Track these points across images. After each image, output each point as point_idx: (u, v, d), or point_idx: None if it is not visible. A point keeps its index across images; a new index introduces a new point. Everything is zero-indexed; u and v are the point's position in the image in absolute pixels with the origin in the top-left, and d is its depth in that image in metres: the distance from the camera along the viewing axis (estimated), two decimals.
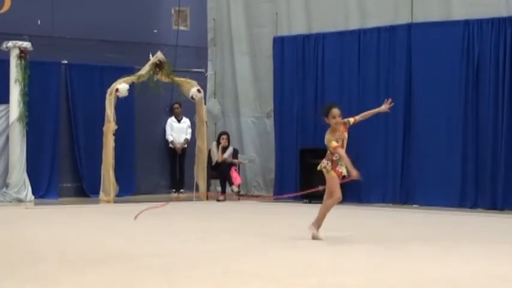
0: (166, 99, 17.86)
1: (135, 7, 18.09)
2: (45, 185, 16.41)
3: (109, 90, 15.76)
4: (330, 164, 9.23)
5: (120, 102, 15.91)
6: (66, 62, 16.91)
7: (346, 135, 9.31)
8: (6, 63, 15.60)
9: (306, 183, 15.64)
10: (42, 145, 16.41)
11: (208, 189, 16.76)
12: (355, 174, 9.12)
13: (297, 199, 15.97)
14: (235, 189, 16.43)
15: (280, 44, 16.95)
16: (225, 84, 18.02)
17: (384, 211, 14.22)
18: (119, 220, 12.31)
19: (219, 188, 16.76)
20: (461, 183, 14.48)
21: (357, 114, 9.61)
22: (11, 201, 15.36)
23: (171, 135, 18.05)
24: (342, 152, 9.16)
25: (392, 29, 15.48)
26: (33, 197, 15.64)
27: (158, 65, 16.11)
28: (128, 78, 15.87)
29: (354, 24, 16.04)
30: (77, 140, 17.02)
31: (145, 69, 16.05)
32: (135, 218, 11.28)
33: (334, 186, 9.23)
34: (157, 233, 10.33)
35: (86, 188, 16.89)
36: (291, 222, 11.86)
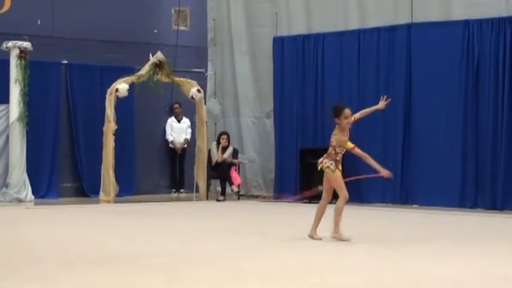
0: (166, 99, 17.86)
1: (135, 7, 18.09)
2: (45, 185, 16.41)
3: (109, 90, 15.76)
4: (333, 164, 9.24)
5: (120, 102, 15.91)
6: (66, 62, 16.92)
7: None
8: (6, 63, 15.60)
9: (306, 183, 15.64)
10: (42, 145, 16.41)
11: (208, 189, 16.76)
12: (386, 173, 9.26)
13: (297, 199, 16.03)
14: (235, 189, 16.43)
15: (280, 44, 16.96)
16: (225, 84, 18.03)
17: (384, 211, 14.22)
18: (118, 220, 12.31)
19: (219, 188, 16.76)
20: (461, 183, 14.49)
21: (356, 113, 9.63)
22: (11, 201, 15.35)
23: (171, 135, 18.05)
24: (362, 152, 9.20)
25: (392, 29, 15.48)
26: (33, 197, 15.64)
27: (158, 65, 16.12)
28: (127, 78, 15.87)
29: (353, 24, 16.05)
30: (77, 140, 17.03)
31: (145, 69, 16.05)
32: (300, 195, 10.38)
33: (340, 185, 9.24)
34: (157, 233, 10.33)
35: (86, 188, 16.90)
36: (291, 222, 11.86)
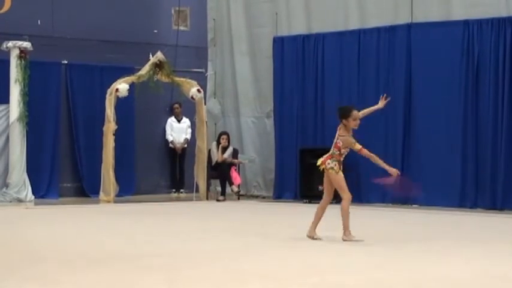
0: (166, 99, 17.87)
1: (135, 7, 18.09)
2: (45, 185, 16.41)
3: (109, 90, 15.76)
4: (337, 164, 9.24)
5: (120, 102, 15.91)
6: (66, 62, 16.92)
7: None
8: (6, 63, 15.60)
9: (305, 183, 15.67)
10: (42, 145, 16.41)
11: (208, 189, 16.77)
12: (394, 171, 9.25)
13: (297, 199, 16.01)
14: (235, 189, 16.43)
15: (280, 44, 16.95)
16: (225, 84, 18.03)
17: (383, 211, 14.23)
18: (119, 220, 12.31)
19: (219, 188, 16.77)
20: (461, 183, 14.49)
21: None
22: (11, 201, 15.35)
23: (171, 135, 18.06)
24: (370, 153, 9.22)
25: (392, 29, 15.48)
26: (33, 197, 15.64)
27: (158, 65, 16.12)
28: (128, 78, 15.87)
29: (353, 24, 16.05)
30: (77, 140, 17.03)
31: (145, 69, 16.06)
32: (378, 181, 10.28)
33: (344, 187, 9.23)
34: (157, 233, 10.34)
35: (86, 188, 16.90)
36: (291, 222, 11.86)
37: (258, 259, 8.00)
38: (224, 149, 16.63)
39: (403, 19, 15.36)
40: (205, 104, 16.84)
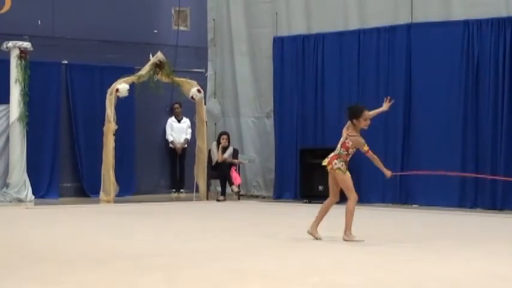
0: (167, 99, 17.87)
1: (135, 7, 18.10)
2: (45, 185, 16.42)
3: (109, 90, 15.77)
4: (344, 165, 9.23)
5: (121, 102, 15.92)
6: (66, 62, 16.92)
7: None
8: (7, 63, 15.61)
9: (305, 183, 15.67)
10: (42, 145, 16.42)
11: (208, 189, 16.77)
12: (389, 174, 9.39)
13: (297, 199, 16.02)
14: (235, 189, 16.44)
15: (280, 44, 16.96)
16: (225, 84, 18.03)
17: (384, 211, 14.23)
18: (119, 220, 12.31)
19: (219, 188, 16.77)
20: (461, 183, 14.49)
21: None
22: (11, 201, 15.36)
23: (171, 135, 18.06)
24: (373, 154, 9.27)
25: (392, 29, 15.49)
26: (33, 197, 15.65)
27: (158, 65, 16.12)
28: (128, 78, 15.88)
29: (353, 25, 16.05)
30: (77, 140, 17.03)
31: (145, 70, 16.06)
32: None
33: (350, 187, 9.23)
34: (157, 233, 10.34)
35: (86, 188, 16.90)
36: (291, 222, 11.86)
37: (258, 259, 8.00)
38: (224, 149, 16.63)
39: (403, 19, 15.36)
40: (205, 104, 16.85)
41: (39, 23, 16.85)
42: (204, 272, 7.06)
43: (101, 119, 15.85)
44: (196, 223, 11.81)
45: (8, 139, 15.69)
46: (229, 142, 16.75)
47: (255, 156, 17.47)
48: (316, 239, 9.30)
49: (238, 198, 16.67)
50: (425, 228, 11.44)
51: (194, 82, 16.57)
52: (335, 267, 7.52)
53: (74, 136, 17.02)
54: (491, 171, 14.16)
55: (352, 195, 9.22)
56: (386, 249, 8.78)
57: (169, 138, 18.06)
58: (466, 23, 14.57)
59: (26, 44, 15.54)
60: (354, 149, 9.28)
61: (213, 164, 16.70)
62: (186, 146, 18.05)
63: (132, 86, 15.99)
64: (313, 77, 16.45)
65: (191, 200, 16.48)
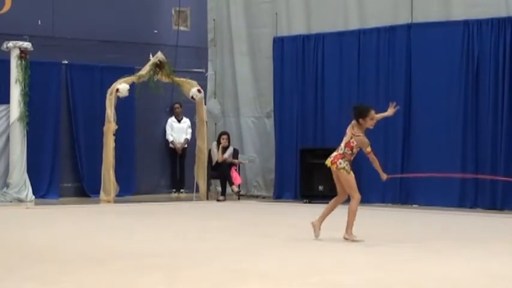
0: (167, 99, 17.87)
1: (135, 7, 18.09)
2: (45, 185, 16.41)
3: (109, 90, 15.77)
4: (348, 164, 9.23)
5: (121, 102, 15.92)
6: (66, 62, 16.92)
7: None
8: (7, 63, 15.61)
9: (305, 183, 15.66)
10: (42, 145, 16.41)
11: (208, 189, 16.77)
12: (385, 176, 9.42)
13: (297, 199, 16.02)
14: (235, 189, 16.44)
15: (280, 44, 16.96)
16: (225, 84, 18.03)
17: (384, 211, 14.23)
18: (119, 220, 12.32)
19: (219, 188, 16.77)
20: (461, 183, 14.49)
21: None
22: (11, 201, 15.36)
23: (172, 135, 18.06)
24: (374, 156, 9.30)
25: (392, 30, 15.49)
26: (33, 197, 15.65)
27: (158, 65, 16.12)
28: (128, 78, 15.88)
29: (353, 25, 16.05)
30: (77, 140, 17.03)
31: (145, 70, 16.06)
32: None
33: (354, 187, 9.24)
34: (158, 233, 10.34)
35: (86, 188, 16.90)
36: (291, 222, 11.86)
37: (258, 259, 8.00)
38: (224, 149, 16.63)
39: (403, 19, 15.36)
40: (205, 104, 16.85)
41: (39, 23, 16.85)
42: (204, 272, 7.07)
43: (101, 119, 15.85)
44: (196, 223, 11.82)
45: (8, 139, 15.69)
46: (229, 142, 16.75)
47: (255, 156, 17.47)
48: (314, 233, 9.27)
49: (238, 198, 16.67)
50: (425, 228, 11.45)
51: (194, 82, 16.57)
52: (335, 267, 7.53)
53: (74, 136, 17.01)
54: (491, 172, 14.17)
55: (356, 195, 9.23)
56: (387, 249, 8.78)
57: (170, 138, 18.06)
58: (466, 23, 14.57)
59: (26, 44, 15.54)
60: (358, 149, 9.29)
61: (213, 164, 16.70)
62: (186, 146, 18.04)
63: (132, 86, 15.99)
64: (313, 77, 16.46)
65: (191, 200, 16.48)
